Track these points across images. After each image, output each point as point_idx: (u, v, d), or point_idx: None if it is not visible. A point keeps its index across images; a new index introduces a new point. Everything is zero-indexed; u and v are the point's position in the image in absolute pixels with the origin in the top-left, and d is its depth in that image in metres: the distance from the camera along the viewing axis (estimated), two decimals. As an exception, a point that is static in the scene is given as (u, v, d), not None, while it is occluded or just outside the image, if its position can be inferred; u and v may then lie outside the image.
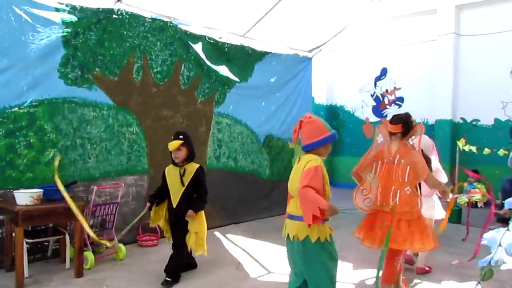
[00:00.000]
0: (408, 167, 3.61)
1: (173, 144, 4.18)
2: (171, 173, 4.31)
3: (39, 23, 4.75)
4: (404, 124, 3.72)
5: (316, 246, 2.86)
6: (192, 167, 4.28)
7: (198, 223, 4.26)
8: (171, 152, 4.23)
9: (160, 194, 4.37)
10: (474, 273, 4.41)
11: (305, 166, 2.85)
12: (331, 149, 3.07)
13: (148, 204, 4.36)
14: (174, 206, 4.24)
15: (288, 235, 3.01)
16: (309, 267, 2.92)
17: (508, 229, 1.13)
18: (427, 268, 4.66)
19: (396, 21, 11.10)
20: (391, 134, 3.80)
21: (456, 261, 5.02)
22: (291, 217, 3.00)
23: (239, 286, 4.30)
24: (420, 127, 3.70)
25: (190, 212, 4.13)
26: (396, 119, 3.81)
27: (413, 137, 3.65)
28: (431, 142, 4.80)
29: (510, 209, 1.18)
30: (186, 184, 4.22)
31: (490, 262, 1.11)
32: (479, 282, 1.11)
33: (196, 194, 4.31)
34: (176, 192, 4.25)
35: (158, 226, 4.52)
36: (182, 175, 4.22)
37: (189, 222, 4.20)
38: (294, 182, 2.94)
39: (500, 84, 9.36)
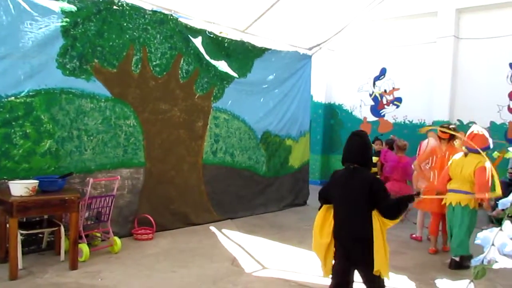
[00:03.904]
0: None
1: None
2: None
3: (38, 12, 4.71)
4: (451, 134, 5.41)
5: (473, 210, 4.82)
6: None
7: None
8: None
9: None
10: (466, 272, 4.44)
11: (478, 163, 4.66)
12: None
13: None
14: None
15: (451, 203, 4.87)
16: (464, 222, 4.76)
17: (501, 229, 1.13)
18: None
19: (396, 22, 11.08)
20: (440, 138, 5.58)
21: (449, 260, 5.05)
22: (455, 191, 4.85)
23: (234, 280, 4.30)
24: (462, 134, 5.34)
25: None
26: (446, 129, 5.46)
27: (457, 140, 5.51)
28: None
29: (503, 209, 1.19)
30: None
31: (483, 261, 1.11)
32: (471, 281, 1.12)
33: None
34: None
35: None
36: None
37: None
38: (462, 169, 4.79)
39: (497, 88, 9.40)
